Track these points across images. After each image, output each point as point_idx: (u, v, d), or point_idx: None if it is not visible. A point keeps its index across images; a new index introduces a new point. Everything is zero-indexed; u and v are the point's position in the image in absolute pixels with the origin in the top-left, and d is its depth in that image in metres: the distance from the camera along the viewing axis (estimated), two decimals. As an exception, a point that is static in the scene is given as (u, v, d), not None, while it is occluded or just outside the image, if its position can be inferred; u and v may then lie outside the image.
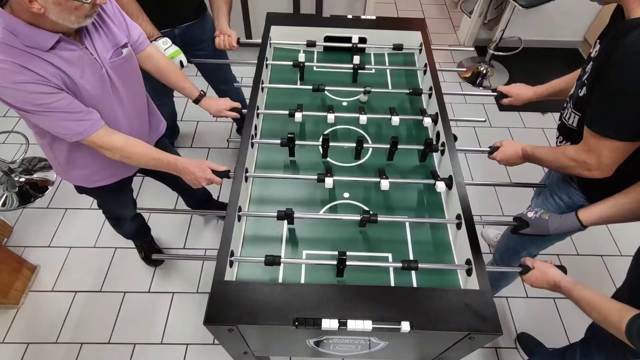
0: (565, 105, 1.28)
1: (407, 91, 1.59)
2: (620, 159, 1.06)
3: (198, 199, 2.10)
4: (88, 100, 1.15)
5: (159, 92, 1.73)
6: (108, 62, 1.18)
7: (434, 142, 1.45)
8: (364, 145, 1.40)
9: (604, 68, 0.99)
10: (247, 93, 1.97)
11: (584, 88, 1.11)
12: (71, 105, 1.09)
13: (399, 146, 1.38)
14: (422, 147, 1.40)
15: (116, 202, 1.67)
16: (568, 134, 1.25)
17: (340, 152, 1.47)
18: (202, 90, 1.58)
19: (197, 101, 1.57)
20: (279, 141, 1.37)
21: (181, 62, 1.70)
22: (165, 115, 1.67)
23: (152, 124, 1.53)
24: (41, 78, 1.01)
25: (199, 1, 1.83)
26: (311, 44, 1.74)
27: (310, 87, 1.58)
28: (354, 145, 1.39)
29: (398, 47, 1.75)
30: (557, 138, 1.34)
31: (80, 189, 1.52)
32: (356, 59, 1.68)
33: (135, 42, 1.32)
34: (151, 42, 1.63)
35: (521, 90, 1.55)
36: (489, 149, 1.42)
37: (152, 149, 1.31)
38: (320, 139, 1.38)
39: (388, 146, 1.39)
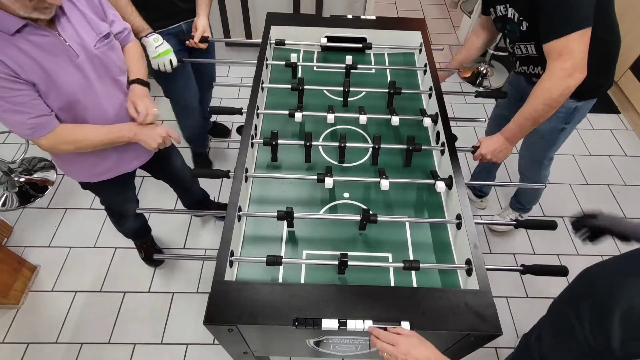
0: (511, 50, 1.49)
1: (407, 91, 1.59)
2: (587, 48, 1.17)
3: (196, 199, 2.10)
4: (65, 87, 1.14)
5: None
6: (85, 51, 1.17)
7: (434, 143, 1.46)
8: (364, 145, 1.40)
9: None
10: (247, 93, 1.96)
11: (524, 23, 1.28)
12: (18, 100, 1.06)
13: (398, 146, 1.38)
14: (421, 148, 1.40)
15: (119, 197, 1.67)
16: (532, 61, 1.43)
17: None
18: (145, 79, 1.42)
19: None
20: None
21: (171, 62, 1.67)
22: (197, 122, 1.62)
23: None
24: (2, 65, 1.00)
25: None
26: (280, 42, 1.73)
27: (310, 87, 1.57)
28: (354, 145, 1.39)
29: (367, 46, 1.73)
30: (527, 69, 1.49)
31: (84, 185, 1.52)
32: (348, 59, 1.65)
33: (117, 34, 1.31)
34: (141, 37, 1.60)
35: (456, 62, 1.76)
36: (471, 148, 1.44)
37: (102, 126, 1.27)
38: (321, 139, 1.37)
39: (388, 146, 1.39)
